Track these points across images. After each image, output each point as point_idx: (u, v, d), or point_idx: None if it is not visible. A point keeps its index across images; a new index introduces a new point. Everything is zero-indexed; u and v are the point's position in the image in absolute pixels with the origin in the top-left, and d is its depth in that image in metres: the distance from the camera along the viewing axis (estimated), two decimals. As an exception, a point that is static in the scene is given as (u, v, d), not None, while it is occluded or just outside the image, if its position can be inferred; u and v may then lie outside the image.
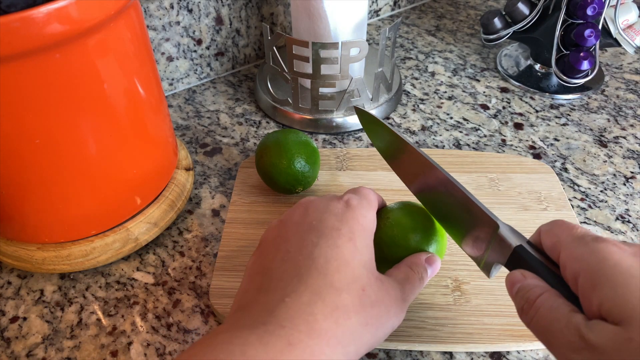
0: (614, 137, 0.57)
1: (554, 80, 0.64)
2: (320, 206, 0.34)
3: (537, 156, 0.55)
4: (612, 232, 0.47)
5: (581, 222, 0.48)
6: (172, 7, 0.58)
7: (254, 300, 0.30)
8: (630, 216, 0.48)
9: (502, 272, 0.41)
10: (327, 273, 0.29)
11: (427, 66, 0.68)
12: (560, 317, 0.25)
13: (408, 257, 0.36)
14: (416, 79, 0.66)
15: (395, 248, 0.36)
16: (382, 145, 0.41)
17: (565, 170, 0.53)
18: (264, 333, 0.26)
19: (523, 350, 0.38)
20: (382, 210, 0.38)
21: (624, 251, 0.25)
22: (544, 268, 0.28)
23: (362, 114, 0.42)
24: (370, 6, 0.77)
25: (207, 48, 0.64)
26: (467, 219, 0.34)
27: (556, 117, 0.60)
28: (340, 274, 0.30)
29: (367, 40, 0.61)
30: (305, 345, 0.26)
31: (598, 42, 0.57)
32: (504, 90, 0.64)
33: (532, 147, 0.56)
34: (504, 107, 0.61)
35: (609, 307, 0.23)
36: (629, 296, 0.23)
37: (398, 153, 0.40)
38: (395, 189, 0.49)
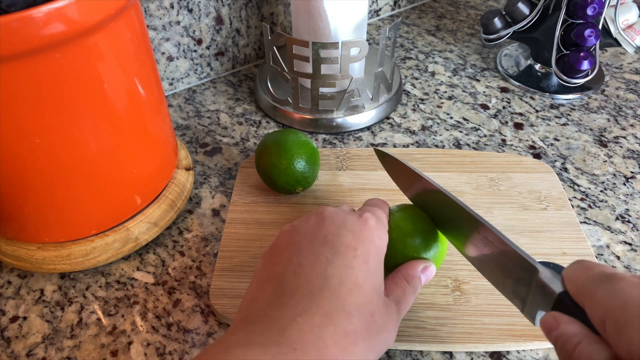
0: (614, 137, 0.57)
1: (554, 80, 0.64)
2: (337, 219, 0.34)
3: (537, 156, 0.55)
4: (612, 232, 0.47)
5: (581, 222, 0.48)
6: (172, 6, 0.58)
7: (263, 313, 0.29)
8: (630, 216, 0.48)
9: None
10: (340, 295, 0.29)
11: (427, 66, 0.68)
12: None
13: (404, 265, 0.36)
14: (416, 78, 0.66)
15: (392, 252, 0.36)
16: (405, 187, 0.41)
17: (565, 170, 0.53)
18: (277, 354, 0.26)
19: (523, 350, 0.38)
20: None
21: None
22: (586, 317, 0.26)
23: (382, 155, 0.42)
24: (370, 6, 0.77)
25: (207, 48, 0.64)
26: (504, 263, 0.32)
27: (556, 117, 0.60)
28: (352, 297, 0.29)
29: (367, 40, 0.61)
30: None
31: (598, 42, 0.57)
32: (504, 90, 0.64)
33: (532, 147, 0.56)
34: (504, 107, 0.61)
35: (638, 352, 0.22)
36: None
37: (430, 199, 0.38)
38: (395, 189, 0.49)
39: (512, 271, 0.31)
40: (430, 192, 0.37)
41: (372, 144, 0.56)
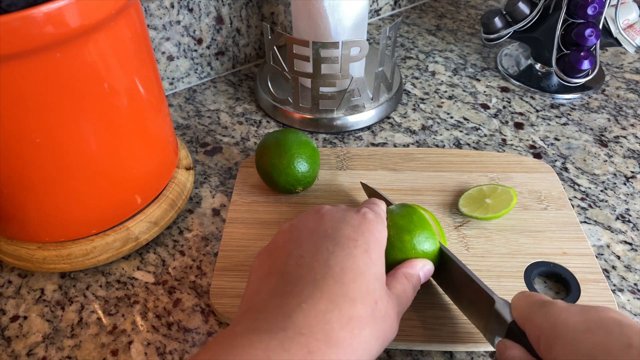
0: (614, 137, 0.57)
1: (555, 79, 0.64)
2: (337, 215, 0.35)
3: (537, 156, 0.55)
4: (612, 232, 0.47)
5: (581, 222, 0.48)
6: (172, 6, 0.58)
7: (268, 302, 0.30)
8: (630, 216, 0.48)
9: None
10: (343, 282, 0.30)
11: (427, 65, 0.68)
12: None
13: (404, 264, 0.36)
14: (417, 78, 0.66)
15: (390, 250, 0.36)
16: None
17: (566, 169, 0.53)
18: (284, 339, 0.26)
19: (523, 350, 0.38)
20: None
21: (570, 312, 0.29)
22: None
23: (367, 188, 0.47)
24: (370, 5, 0.77)
25: (208, 47, 0.64)
26: (468, 293, 0.36)
27: (556, 116, 0.60)
28: (355, 284, 0.30)
29: (367, 40, 0.61)
30: (324, 353, 0.27)
31: (598, 41, 0.57)
32: (504, 89, 0.64)
33: (532, 147, 0.56)
34: (504, 107, 0.61)
35: None
36: (576, 353, 0.26)
37: None
38: (395, 189, 0.49)
39: (474, 301, 0.35)
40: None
41: (372, 144, 0.56)
